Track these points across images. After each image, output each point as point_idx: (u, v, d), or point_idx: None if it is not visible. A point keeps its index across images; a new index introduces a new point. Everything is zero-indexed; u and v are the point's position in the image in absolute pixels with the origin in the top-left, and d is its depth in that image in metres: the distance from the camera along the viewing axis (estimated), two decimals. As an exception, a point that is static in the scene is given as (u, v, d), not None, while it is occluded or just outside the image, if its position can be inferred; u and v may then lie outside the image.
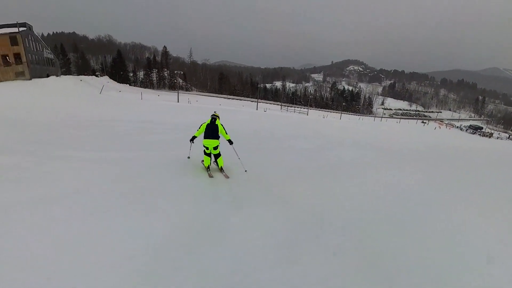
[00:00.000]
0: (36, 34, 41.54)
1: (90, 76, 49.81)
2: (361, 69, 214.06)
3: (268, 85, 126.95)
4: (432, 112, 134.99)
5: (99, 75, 55.88)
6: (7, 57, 35.97)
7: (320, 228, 4.95)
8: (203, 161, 7.89)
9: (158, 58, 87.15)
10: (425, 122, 77.32)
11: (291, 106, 73.73)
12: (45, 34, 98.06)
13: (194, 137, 7.59)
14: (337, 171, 9.18)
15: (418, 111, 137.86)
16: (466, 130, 61.97)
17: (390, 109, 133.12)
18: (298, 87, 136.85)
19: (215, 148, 7.34)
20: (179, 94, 45.75)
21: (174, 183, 6.58)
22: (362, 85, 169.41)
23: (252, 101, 72.12)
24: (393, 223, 5.33)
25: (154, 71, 77.01)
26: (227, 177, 7.29)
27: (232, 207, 5.63)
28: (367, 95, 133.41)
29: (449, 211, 6.08)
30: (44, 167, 7.34)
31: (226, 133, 7.41)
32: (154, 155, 9.41)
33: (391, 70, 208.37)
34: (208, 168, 7.57)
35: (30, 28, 39.26)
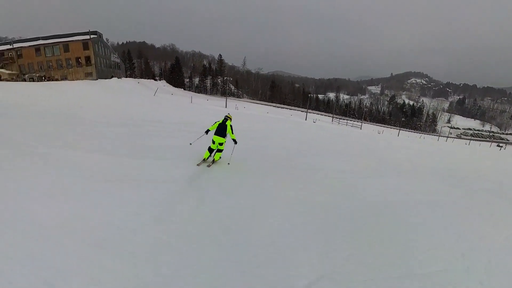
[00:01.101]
0: (106, 41, 45.98)
1: (148, 80, 53.27)
2: (424, 82, 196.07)
3: (320, 96, 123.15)
4: (511, 134, 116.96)
5: (158, 79, 59.87)
6: (79, 60, 40.41)
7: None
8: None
9: (214, 66, 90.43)
10: (502, 146, 66.59)
11: (343, 119, 69.73)
12: (120, 43, 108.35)
13: (208, 130, 8.67)
14: (377, 228, 5.94)
15: (493, 132, 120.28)
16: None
17: (458, 128, 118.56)
18: (352, 99, 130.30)
19: (220, 144, 8.45)
20: (227, 100, 45.89)
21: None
22: (425, 99, 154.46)
23: (303, 111, 69.89)
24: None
25: (209, 78, 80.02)
26: (209, 166, 8.32)
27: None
28: (430, 111, 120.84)
29: None
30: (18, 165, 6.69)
31: (232, 133, 8.42)
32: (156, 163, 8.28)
33: (460, 84, 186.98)
34: (203, 160, 8.57)
35: (100, 35, 43.62)
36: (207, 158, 8.57)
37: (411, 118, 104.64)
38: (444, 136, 74.29)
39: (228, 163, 8.64)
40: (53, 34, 42.16)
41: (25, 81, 36.86)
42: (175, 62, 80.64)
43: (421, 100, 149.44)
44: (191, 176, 7.46)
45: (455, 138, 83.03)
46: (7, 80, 36.44)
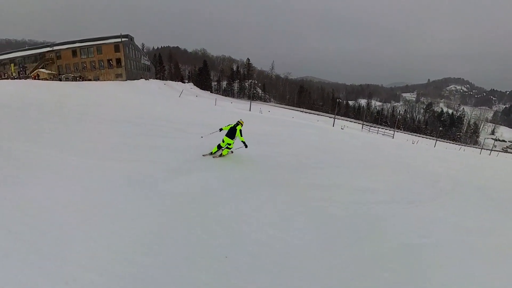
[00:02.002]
0: (137, 45, 47.38)
1: (176, 82, 54.24)
2: (465, 89, 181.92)
3: (351, 102, 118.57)
4: None
5: (186, 82, 61.02)
6: (111, 61, 41.86)
7: None
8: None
9: (242, 70, 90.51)
10: (559, 162, 58.96)
11: (374, 126, 65.97)
12: (155, 47, 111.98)
13: (221, 129, 9.45)
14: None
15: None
16: None
17: (504, 141, 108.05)
18: (385, 106, 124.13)
19: (229, 144, 9.22)
20: (251, 103, 44.90)
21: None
22: (465, 108, 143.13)
23: (331, 117, 67.14)
24: None
25: (236, 81, 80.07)
26: (215, 157, 9.23)
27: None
28: (471, 121, 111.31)
29: None
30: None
31: (241, 136, 9.06)
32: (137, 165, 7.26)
33: (506, 91, 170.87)
34: (210, 153, 9.38)
35: (131, 39, 45.07)
36: (214, 152, 9.42)
37: (449, 128, 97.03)
38: (487, 149, 67.60)
39: (232, 151, 9.72)
40: (89, 38, 44.08)
41: (61, 80, 38.58)
42: (203, 65, 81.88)
43: (461, 108, 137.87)
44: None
45: (500, 151, 75.50)
46: (45, 79, 38.42)
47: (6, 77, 39.42)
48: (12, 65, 44.86)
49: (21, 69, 43.98)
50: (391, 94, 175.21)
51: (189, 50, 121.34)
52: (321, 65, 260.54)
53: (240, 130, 9.03)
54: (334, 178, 9.66)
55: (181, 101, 36.71)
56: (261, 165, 9.75)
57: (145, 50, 77.85)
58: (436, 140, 57.22)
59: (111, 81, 38.69)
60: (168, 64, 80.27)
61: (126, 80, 41.57)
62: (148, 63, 50.70)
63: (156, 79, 55.01)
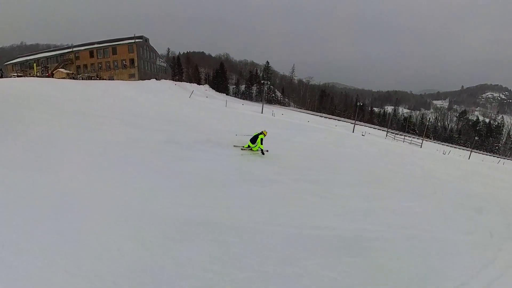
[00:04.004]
0: (152, 46, 47.07)
1: (190, 83, 53.68)
2: (503, 97, 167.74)
3: (376, 109, 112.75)
4: None
5: (202, 83, 60.63)
6: (124, 62, 41.59)
7: None
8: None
9: (261, 73, 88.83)
10: None
11: (400, 134, 61.18)
12: (181, 52, 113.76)
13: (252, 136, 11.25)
14: None
15: None
16: None
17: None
18: (413, 114, 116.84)
19: (249, 146, 10.90)
20: (263, 106, 42.58)
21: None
22: (505, 117, 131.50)
23: (353, 123, 63.34)
24: None
25: (255, 85, 78.17)
26: (242, 149, 10.91)
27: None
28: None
29: None
30: None
31: (261, 144, 10.67)
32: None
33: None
34: (242, 147, 11.03)
35: (146, 40, 44.84)
36: (246, 147, 10.92)
37: (486, 138, 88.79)
38: (531, 163, 60.25)
39: (267, 150, 10.97)
40: (106, 39, 44.30)
41: (75, 79, 38.71)
42: (219, 67, 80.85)
43: (500, 117, 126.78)
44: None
45: (546, 165, 67.37)
46: (64, 78, 38.76)
47: (30, 75, 40.37)
48: (35, 65, 45.96)
49: (44, 68, 44.97)
50: (421, 101, 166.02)
51: (213, 55, 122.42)
52: (346, 71, 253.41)
53: (262, 139, 10.61)
54: (319, 214, 7.05)
55: (190, 102, 35.47)
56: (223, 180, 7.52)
57: (170, 55, 78.44)
58: (471, 151, 51.50)
59: (124, 81, 38.30)
60: (186, 67, 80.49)
61: (138, 80, 41.06)
62: (164, 64, 50.32)
63: (173, 80, 54.72)
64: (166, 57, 78.42)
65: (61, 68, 45.78)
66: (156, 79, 45.74)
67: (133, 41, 42.52)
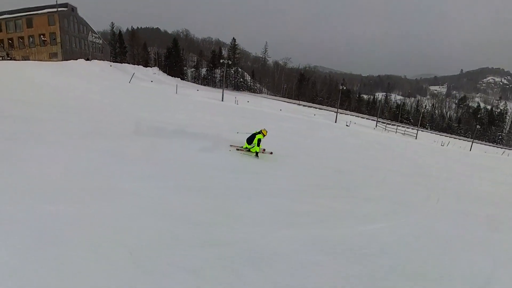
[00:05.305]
0: (81, 17, 41.18)
1: (133, 65, 49.31)
2: (505, 82, 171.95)
3: (366, 96, 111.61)
4: None
5: (152, 65, 56.60)
6: (43, 37, 36.13)
7: None
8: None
9: (228, 54, 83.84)
10: None
11: (392, 124, 59.34)
12: (129, 28, 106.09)
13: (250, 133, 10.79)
14: None
15: None
16: None
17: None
18: (408, 101, 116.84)
19: (247, 148, 10.70)
20: (223, 92, 38.81)
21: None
22: (508, 103, 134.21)
23: (340, 113, 60.91)
24: None
25: (219, 68, 73.24)
26: (238, 150, 10.66)
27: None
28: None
29: None
30: None
31: (258, 146, 10.34)
32: None
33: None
34: (241, 147, 10.80)
35: (73, 9, 38.56)
36: (244, 148, 10.76)
37: (488, 127, 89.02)
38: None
39: (271, 152, 11.21)
40: (18, 8, 38.31)
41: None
42: (172, 45, 72.68)
43: (502, 103, 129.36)
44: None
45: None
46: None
47: None
48: None
49: None
50: (416, 87, 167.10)
51: (170, 31, 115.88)
52: (332, 54, 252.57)
53: (259, 139, 10.28)
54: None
55: (128, 87, 31.20)
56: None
57: (115, 31, 72.25)
58: (472, 141, 50.09)
59: (41, 62, 33.02)
60: (130, 45, 72.47)
61: (62, 60, 35.84)
62: (99, 41, 44.51)
63: (119, 62, 49.74)
64: (110, 34, 71.64)
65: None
66: (87, 59, 40.56)
67: (54, 10, 36.14)
